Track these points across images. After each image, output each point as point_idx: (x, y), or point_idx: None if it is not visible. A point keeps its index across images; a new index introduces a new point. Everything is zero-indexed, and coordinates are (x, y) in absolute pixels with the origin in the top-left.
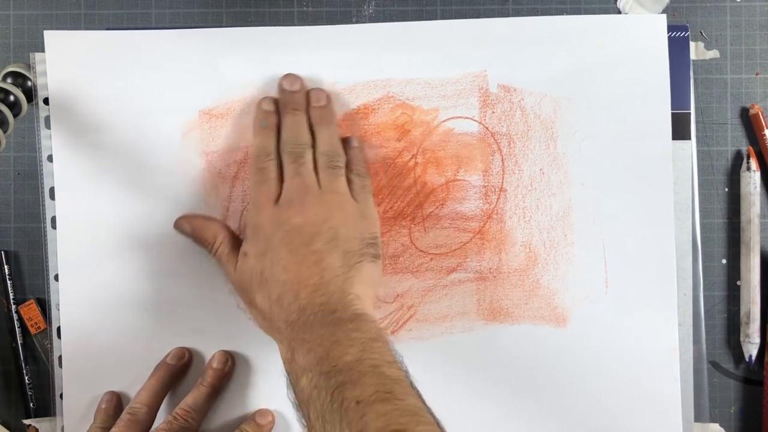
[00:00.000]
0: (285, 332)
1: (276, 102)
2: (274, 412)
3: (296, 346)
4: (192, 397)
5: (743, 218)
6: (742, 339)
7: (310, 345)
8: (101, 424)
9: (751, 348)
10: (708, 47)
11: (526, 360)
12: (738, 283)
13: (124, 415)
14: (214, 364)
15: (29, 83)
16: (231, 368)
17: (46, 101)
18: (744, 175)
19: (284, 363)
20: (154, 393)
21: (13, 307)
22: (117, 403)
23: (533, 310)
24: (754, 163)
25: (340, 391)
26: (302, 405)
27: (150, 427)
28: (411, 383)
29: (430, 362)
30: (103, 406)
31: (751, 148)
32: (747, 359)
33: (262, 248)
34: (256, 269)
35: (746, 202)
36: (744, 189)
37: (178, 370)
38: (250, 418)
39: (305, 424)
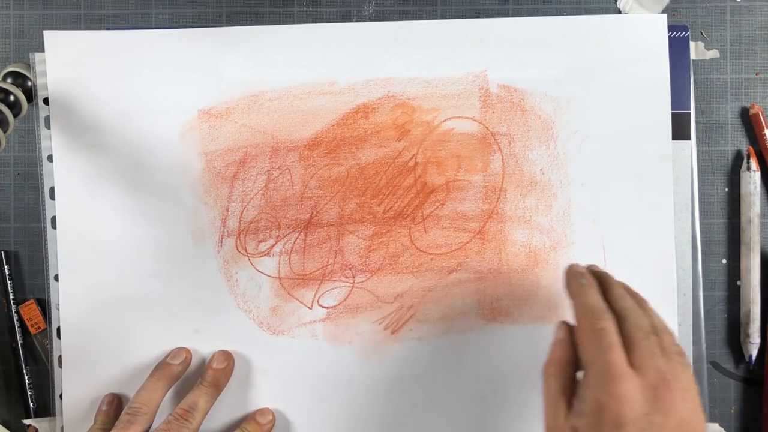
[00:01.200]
0: None
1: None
2: (274, 412)
3: None
4: (192, 396)
5: (743, 218)
6: (742, 339)
7: None
8: (101, 425)
9: (752, 348)
10: (708, 47)
11: (527, 360)
12: (738, 283)
13: (123, 416)
14: (214, 364)
15: (29, 83)
16: (231, 368)
17: (46, 101)
18: (744, 175)
19: None
20: (154, 392)
21: (13, 307)
22: (117, 404)
23: (534, 310)
24: (754, 163)
25: None
26: None
27: (150, 427)
28: None
29: (431, 362)
30: (104, 408)
31: (751, 148)
32: (747, 359)
33: None
34: None
35: (746, 202)
36: (744, 189)
37: (178, 369)
38: (251, 417)
39: None
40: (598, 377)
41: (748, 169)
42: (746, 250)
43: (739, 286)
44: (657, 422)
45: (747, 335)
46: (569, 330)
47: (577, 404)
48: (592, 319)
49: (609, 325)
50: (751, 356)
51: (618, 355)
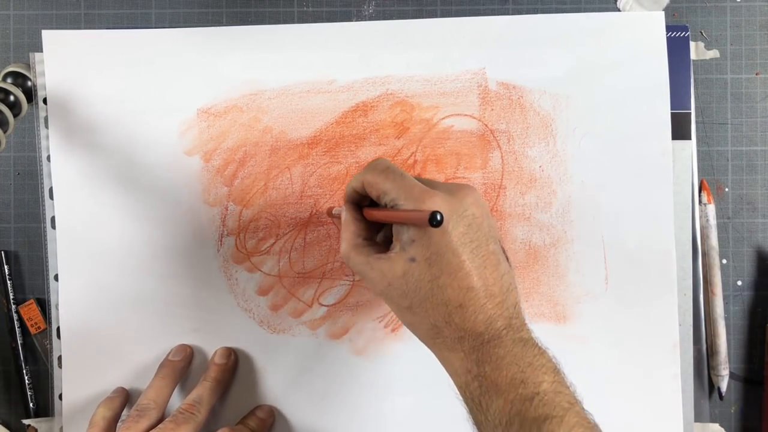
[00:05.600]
0: (468, 342)
1: None
2: (274, 409)
3: (485, 359)
4: (197, 391)
5: (701, 251)
6: (711, 372)
7: (505, 362)
8: (107, 407)
9: (720, 381)
10: (708, 47)
11: None
12: (739, 282)
13: (132, 412)
14: (217, 359)
15: (29, 83)
16: (233, 363)
17: (45, 101)
18: (699, 208)
19: (461, 375)
20: (161, 390)
21: (13, 307)
22: (125, 397)
23: (533, 307)
24: (705, 196)
25: (547, 424)
26: (495, 428)
27: (158, 423)
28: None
29: (431, 360)
30: (111, 395)
31: (704, 180)
32: (717, 391)
33: (435, 249)
34: (426, 276)
35: (703, 236)
36: (701, 222)
37: (181, 366)
38: (251, 413)
39: None
40: (410, 204)
41: (701, 202)
42: (707, 284)
43: (740, 286)
44: (477, 214)
45: (713, 368)
46: (351, 208)
47: (400, 240)
48: (374, 168)
49: (390, 163)
50: (719, 388)
51: (411, 179)
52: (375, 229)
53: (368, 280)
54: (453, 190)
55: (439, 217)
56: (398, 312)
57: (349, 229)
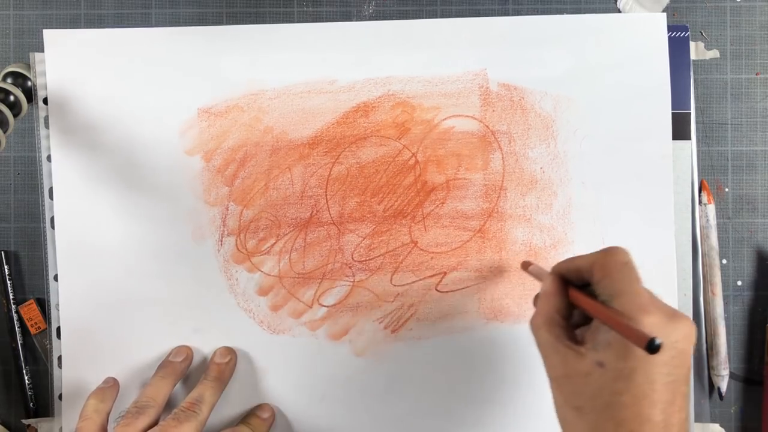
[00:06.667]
0: None
1: None
2: (273, 409)
3: None
4: (197, 390)
5: (701, 251)
6: (710, 372)
7: None
8: (98, 398)
9: (720, 381)
10: (708, 47)
11: (527, 358)
12: (739, 282)
13: (131, 408)
14: (216, 359)
15: (29, 83)
16: (233, 362)
17: (45, 101)
18: (698, 208)
19: None
20: (160, 389)
21: (13, 307)
22: (117, 387)
23: (534, 309)
24: (705, 196)
25: None
26: None
27: (157, 421)
28: None
29: (431, 361)
30: (102, 386)
31: (704, 180)
32: (717, 391)
33: (631, 365)
34: (609, 387)
35: (702, 236)
36: (700, 222)
37: (182, 366)
38: (251, 412)
39: None
40: (628, 306)
41: (701, 202)
42: (707, 284)
43: (740, 286)
44: (686, 350)
45: (713, 368)
46: (557, 280)
47: (596, 338)
48: (616, 254)
49: (630, 257)
50: (719, 388)
51: (642, 287)
52: (572, 308)
53: (547, 361)
54: (671, 315)
55: (657, 343)
56: (562, 406)
57: (549, 302)
